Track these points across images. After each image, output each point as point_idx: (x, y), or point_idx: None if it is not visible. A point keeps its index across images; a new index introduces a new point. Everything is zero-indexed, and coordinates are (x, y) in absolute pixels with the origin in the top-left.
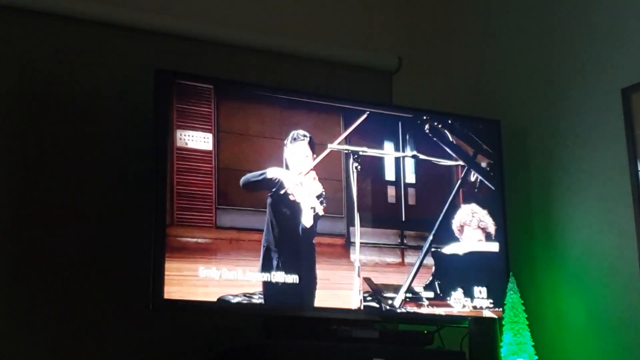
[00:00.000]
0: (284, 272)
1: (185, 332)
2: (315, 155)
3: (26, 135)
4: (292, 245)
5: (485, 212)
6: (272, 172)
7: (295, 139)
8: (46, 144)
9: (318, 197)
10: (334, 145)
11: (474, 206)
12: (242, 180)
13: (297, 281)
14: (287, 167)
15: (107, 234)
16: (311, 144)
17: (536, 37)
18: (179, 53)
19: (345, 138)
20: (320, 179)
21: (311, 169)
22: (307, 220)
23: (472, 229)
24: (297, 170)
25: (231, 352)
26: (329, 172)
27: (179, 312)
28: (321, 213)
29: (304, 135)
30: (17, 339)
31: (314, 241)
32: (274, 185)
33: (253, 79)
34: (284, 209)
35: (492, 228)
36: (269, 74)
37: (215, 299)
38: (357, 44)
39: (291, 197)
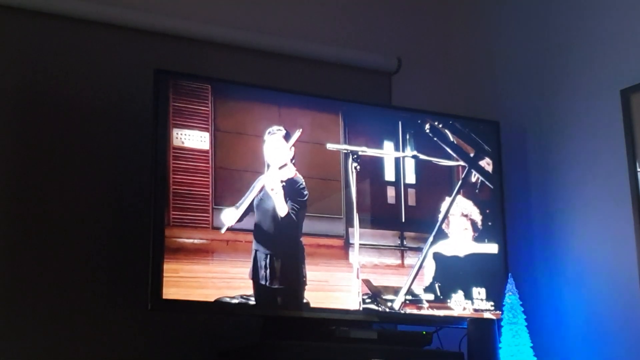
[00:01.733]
0: (269, 272)
1: (184, 332)
2: (291, 148)
3: (23, 134)
4: (277, 243)
5: (470, 202)
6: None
7: (270, 133)
8: (44, 143)
9: (283, 182)
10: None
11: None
12: None
13: (284, 281)
14: (266, 162)
15: (104, 234)
16: (286, 137)
17: (536, 38)
18: (176, 53)
19: (344, 138)
20: (317, 179)
21: (287, 164)
22: (280, 209)
23: (456, 218)
24: (275, 164)
25: (229, 353)
26: (327, 172)
27: (177, 312)
28: (280, 192)
29: (279, 129)
30: (17, 339)
31: (301, 239)
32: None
33: (251, 79)
34: (265, 206)
35: (477, 216)
36: (268, 74)
37: (212, 300)
38: (357, 44)
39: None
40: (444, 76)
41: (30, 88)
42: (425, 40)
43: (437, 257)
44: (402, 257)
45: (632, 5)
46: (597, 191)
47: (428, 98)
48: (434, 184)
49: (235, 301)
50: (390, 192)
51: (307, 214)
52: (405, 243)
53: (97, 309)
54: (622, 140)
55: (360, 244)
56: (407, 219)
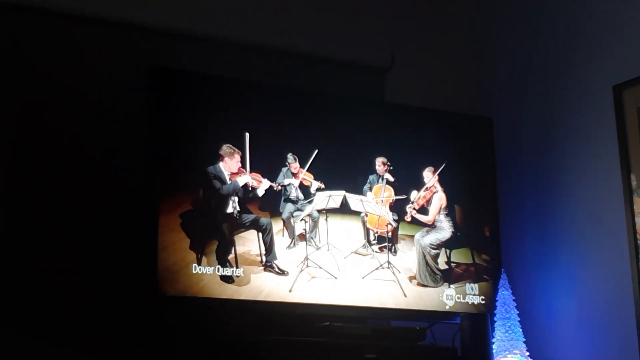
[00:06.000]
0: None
1: (180, 328)
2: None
3: (16, 131)
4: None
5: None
6: None
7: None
8: (37, 140)
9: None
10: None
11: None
12: None
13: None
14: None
15: (104, 231)
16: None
17: (528, 35)
18: (171, 50)
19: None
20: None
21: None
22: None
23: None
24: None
25: (225, 349)
26: None
27: (173, 308)
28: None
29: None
30: (18, 334)
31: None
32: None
33: (246, 76)
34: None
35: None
36: (262, 71)
37: (210, 296)
38: (350, 41)
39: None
40: (438, 73)
41: (22, 85)
42: (419, 37)
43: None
44: None
45: (625, 2)
46: (590, 187)
47: (421, 95)
48: None
49: (231, 296)
50: None
51: None
52: None
53: (94, 305)
54: (614, 135)
55: None
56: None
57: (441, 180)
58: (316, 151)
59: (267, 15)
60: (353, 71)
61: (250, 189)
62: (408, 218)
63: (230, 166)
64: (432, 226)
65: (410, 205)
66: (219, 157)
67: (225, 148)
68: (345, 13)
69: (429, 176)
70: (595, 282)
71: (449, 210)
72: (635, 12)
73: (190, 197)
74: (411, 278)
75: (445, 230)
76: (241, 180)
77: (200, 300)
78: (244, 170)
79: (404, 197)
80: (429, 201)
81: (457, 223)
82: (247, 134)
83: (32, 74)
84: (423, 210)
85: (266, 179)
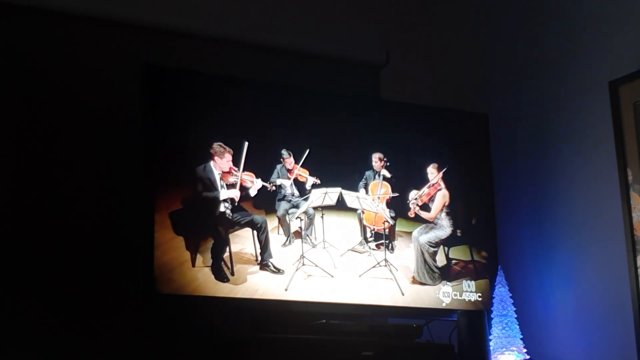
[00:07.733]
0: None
1: (176, 326)
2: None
3: (9, 129)
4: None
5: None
6: None
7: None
8: (31, 139)
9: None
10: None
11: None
12: None
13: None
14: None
15: (99, 228)
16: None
17: (524, 31)
18: (165, 48)
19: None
20: None
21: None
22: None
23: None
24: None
25: (221, 347)
26: None
27: (169, 306)
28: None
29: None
30: (13, 334)
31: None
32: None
33: (240, 74)
34: None
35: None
36: (257, 68)
37: (205, 294)
38: (345, 38)
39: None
40: (433, 69)
41: (15, 83)
42: (414, 33)
43: None
44: None
45: None
46: (587, 182)
47: (416, 91)
48: None
49: (227, 294)
50: None
51: None
52: None
53: (89, 302)
54: (610, 131)
55: None
56: None
57: (445, 178)
58: (308, 150)
59: (261, 13)
60: (348, 68)
61: (235, 203)
62: (412, 214)
63: (221, 165)
64: (432, 223)
65: (414, 201)
66: (210, 156)
67: (216, 147)
68: (339, 10)
69: (434, 173)
70: (593, 278)
71: (451, 209)
72: (631, 7)
73: (184, 195)
74: (409, 276)
75: (444, 228)
76: (223, 193)
77: (195, 298)
78: (236, 170)
79: (397, 194)
80: (431, 198)
81: (457, 221)
82: (247, 143)
83: (26, 72)
84: (425, 207)
85: (259, 179)
